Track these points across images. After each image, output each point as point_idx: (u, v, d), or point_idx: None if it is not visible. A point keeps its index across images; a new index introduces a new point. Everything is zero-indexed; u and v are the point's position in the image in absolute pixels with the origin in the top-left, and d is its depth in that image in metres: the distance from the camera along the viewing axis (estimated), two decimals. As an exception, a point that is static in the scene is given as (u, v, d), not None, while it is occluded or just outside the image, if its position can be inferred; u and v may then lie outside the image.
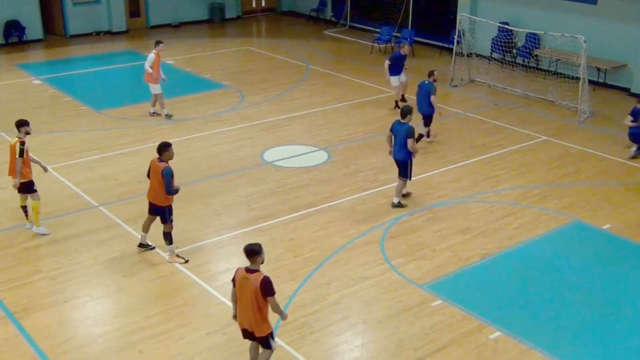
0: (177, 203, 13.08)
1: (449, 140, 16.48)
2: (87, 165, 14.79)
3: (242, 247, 11.74)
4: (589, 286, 10.85)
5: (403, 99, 18.93)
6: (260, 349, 8.41)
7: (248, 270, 8.01)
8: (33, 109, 18.30)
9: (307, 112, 18.47)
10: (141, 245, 11.50)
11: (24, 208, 12.14)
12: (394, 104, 18.67)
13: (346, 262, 11.28)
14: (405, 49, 18.38)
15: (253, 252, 7.99)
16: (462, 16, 21.56)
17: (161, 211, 11.10)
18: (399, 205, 13.10)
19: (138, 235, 11.85)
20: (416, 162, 14.10)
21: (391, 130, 13.01)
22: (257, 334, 8.14)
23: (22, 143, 11.54)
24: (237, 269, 8.17)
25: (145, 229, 11.42)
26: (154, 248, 11.48)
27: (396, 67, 18.29)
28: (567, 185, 14.29)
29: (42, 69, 22.60)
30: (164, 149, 10.89)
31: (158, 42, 17.42)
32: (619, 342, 9.57)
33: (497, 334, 9.57)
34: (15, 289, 10.45)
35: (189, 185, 13.97)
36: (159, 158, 10.91)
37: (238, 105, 18.89)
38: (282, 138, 16.52)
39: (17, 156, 11.45)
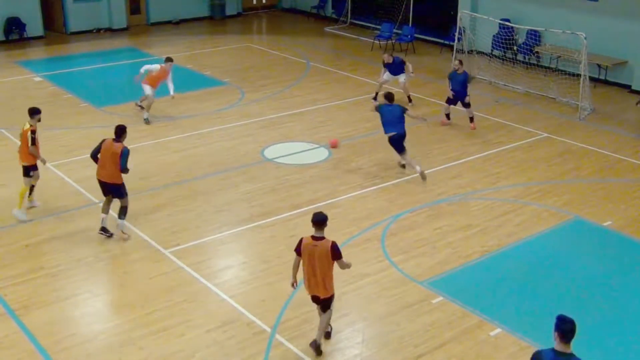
0: (178, 200, 13.13)
1: (449, 138, 16.48)
2: (87, 163, 14.67)
3: (242, 244, 11.90)
4: (590, 283, 10.85)
5: (409, 100, 18.87)
6: (321, 313, 9.01)
7: (315, 238, 8.68)
8: (34, 105, 18.25)
9: (308, 109, 18.47)
10: (104, 229, 11.81)
11: (32, 188, 12.64)
12: (374, 95, 18.85)
13: (347, 259, 11.25)
14: (385, 57, 18.45)
15: (323, 220, 8.68)
16: (463, 13, 21.55)
17: (117, 189, 11.61)
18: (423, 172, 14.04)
19: (139, 233, 11.88)
20: (416, 159, 14.55)
21: (379, 110, 14.31)
22: (323, 296, 8.83)
23: (33, 132, 12.14)
24: (302, 239, 8.77)
25: (106, 210, 11.82)
26: (111, 235, 11.78)
27: (390, 69, 18.48)
28: (568, 182, 14.29)
29: (42, 66, 22.60)
30: (124, 131, 11.68)
31: (169, 59, 17.42)
32: (620, 338, 9.58)
33: (498, 330, 9.58)
34: (16, 286, 10.46)
35: (189, 182, 13.98)
36: (115, 139, 11.56)
37: (238, 102, 18.89)
38: (283, 135, 16.52)
39: (30, 144, 12.09)
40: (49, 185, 13.63)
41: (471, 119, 17.02)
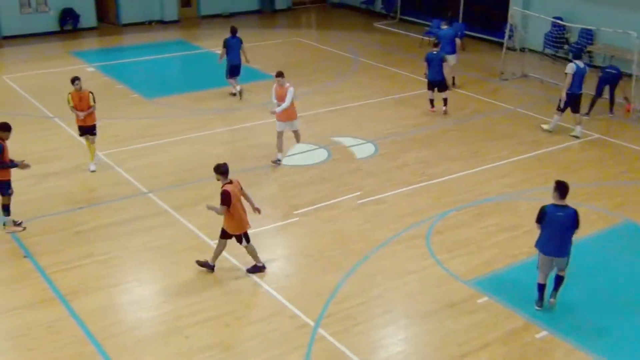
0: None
1: (497, 136, 16.28)
2: (137, 153, 15.02)
3: (289, 236, 11.94)
4: (638, 286, 10.62)
5: (452, 83, 19.31)
6: (246, 245, 10.68)
7: (229, 183, 10.31)
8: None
9: (355, 104, 18.43)
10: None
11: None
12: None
13: (391, 256, 11.25)
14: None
15: (225, 171, 10.32)
16: (514, 10, 21.24)
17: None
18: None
19: (187, 223, 12.02)
20: (463, 157, 14.60)
21: (426, 60, 17.12)
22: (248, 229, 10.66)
23: (92, 92, 13.99)
24: (226, 188, 10.15)
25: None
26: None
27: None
28: (619, 184, 14.00)
29: (95, 56, 23.03)
30: (4, 129, 11.57)
31: (280, 74, 14.54)
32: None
33: (544, 333, 9.45)
34: (65, 272, 10.70)
35: (237, 173, 14.05)
36: None
37: (286, 96, 18.91)
38: (333, 130, 16.50)
39: (93, 103, 13.95)
40: (99, 174, 13.89)
41: (445, 101, 17.58)
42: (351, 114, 17.70)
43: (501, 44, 21.71)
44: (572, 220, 9.45)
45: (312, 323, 9.56)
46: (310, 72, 21.23)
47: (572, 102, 15.89)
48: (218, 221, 12.15)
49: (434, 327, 9.58)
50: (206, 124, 16.74)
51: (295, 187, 13.59)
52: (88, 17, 26.15)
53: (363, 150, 15.39)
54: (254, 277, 10.62)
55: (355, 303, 9.99)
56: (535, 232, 11.94)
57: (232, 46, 18.19)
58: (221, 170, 10.25)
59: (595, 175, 14.36)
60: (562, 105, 15.97)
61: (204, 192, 13.24)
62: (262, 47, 24.24)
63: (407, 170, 14.36)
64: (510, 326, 9.59)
